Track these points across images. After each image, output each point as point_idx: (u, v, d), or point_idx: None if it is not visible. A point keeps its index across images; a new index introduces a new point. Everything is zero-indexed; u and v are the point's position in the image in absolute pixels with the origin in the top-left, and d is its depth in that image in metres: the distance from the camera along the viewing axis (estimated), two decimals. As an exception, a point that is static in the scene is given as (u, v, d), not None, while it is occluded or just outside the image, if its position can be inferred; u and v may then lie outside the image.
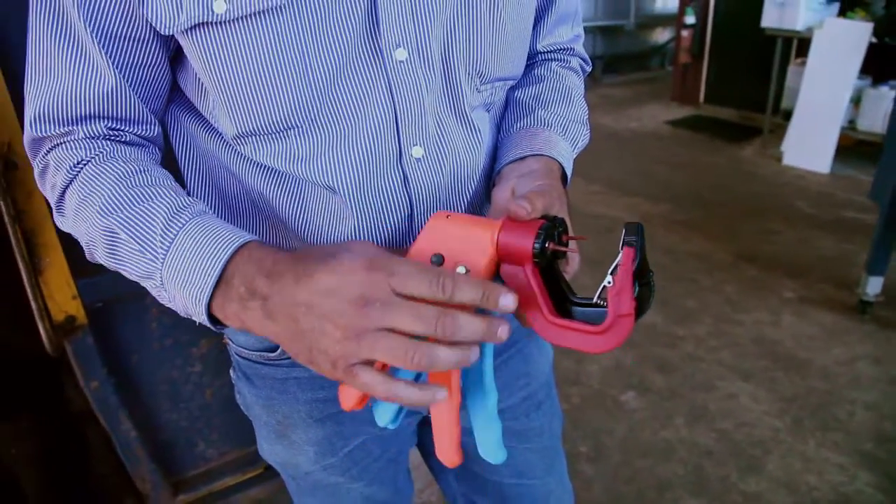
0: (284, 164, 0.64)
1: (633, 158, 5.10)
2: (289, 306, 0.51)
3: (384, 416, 0.58)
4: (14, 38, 1.16)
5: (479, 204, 0.75)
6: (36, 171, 0.66)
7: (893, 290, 2.87)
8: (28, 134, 0.63)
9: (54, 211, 0.66)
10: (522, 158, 0.70)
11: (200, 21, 0.55)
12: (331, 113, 0.62)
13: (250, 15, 0.55)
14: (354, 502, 0.87)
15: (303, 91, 0.59)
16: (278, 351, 0.74)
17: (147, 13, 0.56)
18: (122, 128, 0.64)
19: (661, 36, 8.56)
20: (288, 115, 0.60)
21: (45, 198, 1.23)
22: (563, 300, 0.57)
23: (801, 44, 5.09)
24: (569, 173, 0.73)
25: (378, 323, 0.48)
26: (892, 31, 4.29)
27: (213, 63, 0.58)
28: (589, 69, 0.89)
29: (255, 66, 0.57)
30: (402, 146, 0.65)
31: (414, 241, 0.58)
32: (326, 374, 0.52)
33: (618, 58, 8.03)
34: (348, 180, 0.64)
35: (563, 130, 0.76)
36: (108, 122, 0.63)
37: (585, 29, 0.90)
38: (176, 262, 0.56)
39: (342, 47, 0.59)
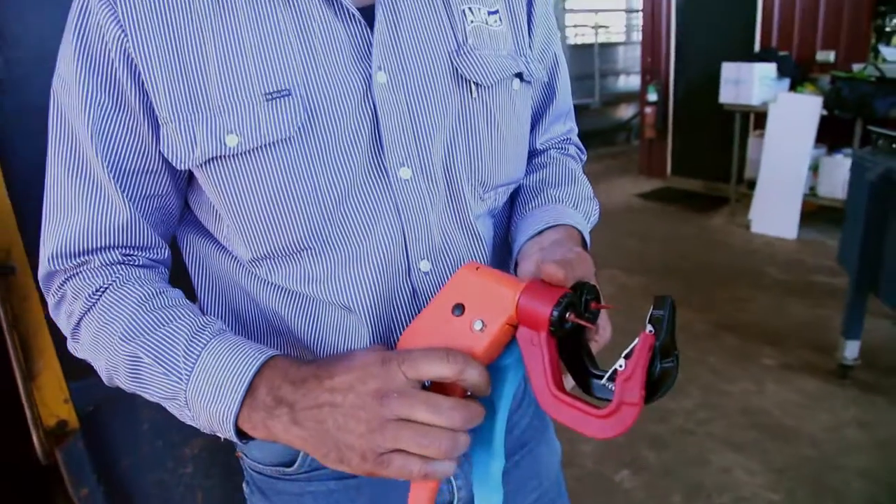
0: (299, 285, 0.66)
1: (605, 231, 5.22)
2: (313, 409, 0.53)
3: None
4: (21, 152, 1.19)
5: None
6: (51, 302, 0.67)
7: (870, 352, 2.94)
8: (44, 268, 0.65)
9: (69, 339, 0.67)
10: (541, 232, 0.70)
11: (214, 155, 0.59)
12: (341, 233, 0.64)
13: (261, 147, 0.59)
14: None
15: (314, 214, 0.62)
16: (295, 465, 0.73)
17: (162, 149, 0.60)
18: (136, 253, 0.67)
19: (626, 112, 8.94)
20: (301, 237, 0.63)
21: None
22: (582, 372, 0.56)
23: (758, 117, 5.37)
24: (588, 243, 0.75)
25: (398, 413, 0.51)
26: (840, 105, 4.56)
27: (228, 192, 0.61)
28: (584, 157, 0.93)
29: (268, 194, 0.61)
30: (411, 261, 0.67)
31: (440, 289, 0.59)
32: (359, 470, 0.53)
33: (586, 134, 8.19)
34: (361, 298, 0.66)
35: (575, 205, 0.77)
36: (122, 249, 0.65)
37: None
38: (200, 382, 0.57)
39: (349, 170, 0.62)
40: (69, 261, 0.64)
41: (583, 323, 0.54)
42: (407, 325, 0.65)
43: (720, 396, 2.83)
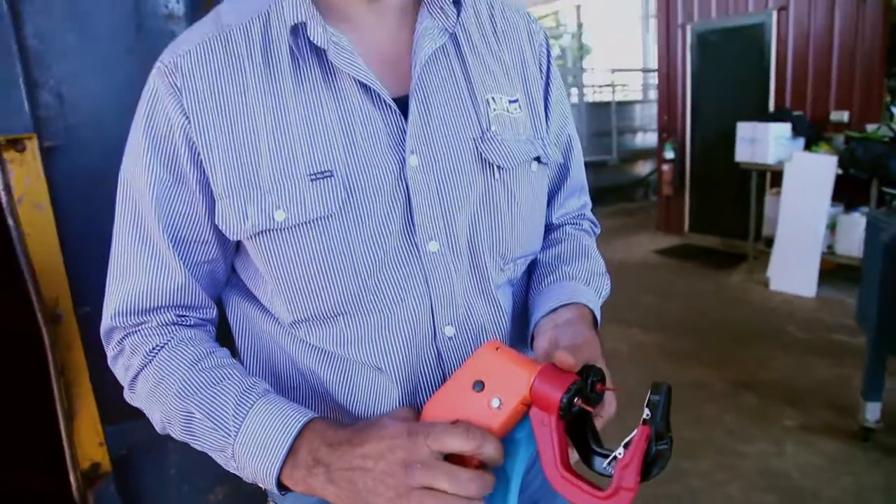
0: (335, 346, 0.73)
1: (623, 288, 5.25)
2: (347, 471, 0.60)
3: None
4: (74, 210, 1.29)
5: None
6: (110, 355, 0.76)
7: (893, 414, 2.90)
8: (106, 324, 0.74)
9: (126, 389, 0.75)
10: (555, 309, 0.76)
11: (263, 229, 0.67)
12: (375, 300, 0.71)
13: (305, 223, 0.66)
14: None
15: (350, 282, 0.69)
16: None
17: (217, 222, 0.69)
18: (188, 314, 0.75)
19: (643, 169, 9.06)
20: (338, 303, 0.70)
21: (82, 348, 1.31)
22: (586, 447, 0.62)
23: (774, 175, 5.42)
24: (598, 319, 0.81)
25: (422, 482, 0.57)
26: (854, 165, 4.61)
27: (274, 261, 0.69)
28: (598, 231, 1.00)
29: (310, 264, 0.68)
30: (437, 326, 0.74)
31: (463, 364, 0.65)
32: None
33: (604, 190, 8.46)
34: (391, 360, 0.73)
35: (587, 282, 0.83)
36: (176, 310, 0.73)
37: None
38: (247, 440, 0.65)
39: (383, 244, 0.70)
40: (129, 318, 0.72)
41: (587, 409, 0.60)
42: (433, 386, 0.73)
43: (738, 457, 2.80)
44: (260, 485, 0.66)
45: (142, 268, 0.71)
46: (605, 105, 9.00)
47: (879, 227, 2.82)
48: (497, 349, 0.64)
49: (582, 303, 0.77)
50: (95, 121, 1.29)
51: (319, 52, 0.68)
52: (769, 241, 5.21)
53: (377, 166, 0.69)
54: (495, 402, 0.60)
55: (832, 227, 4.87)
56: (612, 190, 8.58)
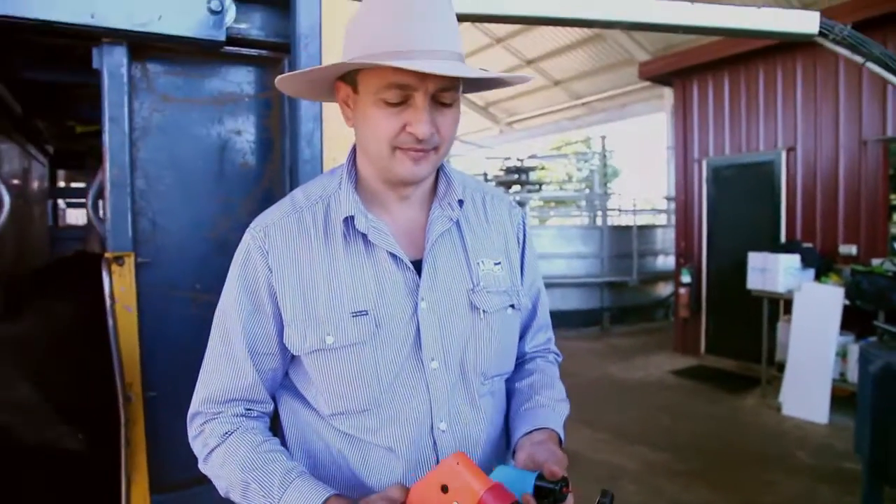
0: (360, 433, 1.01)
1: (638, 407, 5.37)
2: None
3: None
4: (162, 313, 1.61)
5: (487, 459, 1.08)
6: (191, 434, 1.04)
7: (892, 544, 2.95)
8: (193, 409, 1.04)
9: (201, 462, 1.03)
10: (530, 432, 1.04)
11: (317, 349, 0.98)
12: (391, 401, 1.00)
13: (346, 346, 0.97)
14: None
15: (374, 388, 0.99)
16: None
17: (284, 341, 1.00)
18: (253, 407, 1.04)
19: (664, 290, 9.29)
20: (365, 401, 0.99)
21: (143, 427, 1.58)
22: None
23: (786, 302, 5.61)
24: (563, 439, 1.07)
25: None
26: (860, 296, 4.81)
27: (322, 371, 1.00)
28: (561, 360, 1.28)
29: (347, 373, 0.98)
30: (434, 421, 1.01)
31: (432, 470, 0.86)
32: None
33: (624, 310, 8.68)
34: (400, 444, 1.00)
35: (553, 408, 1.11)
36: (245, 403, 1.03)
37: (594, 284, 1.33)
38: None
39: (398, 361, 1.00)
40: (211, 407, 1.02)
41: None
42: (429, 464, 0.99)
43: (737, 577, 2.86)
44: None
45: (224, 371, 1.02)
46: (626, 229, 9.40)
47: (870, 359, 3.00)
48: (458, 463, 0.82)
49: (550, 427, 1.05)
50: (178, 244, 1.64)
51: (363, 234, 1.01)
52: (782, 367, 5.32)
53: (398, 308, 1.00)
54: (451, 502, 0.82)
55: (843, 355, 4.99)
56: (633, 310, 8.79)
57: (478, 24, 10.77)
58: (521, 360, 1.20)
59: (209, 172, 1.66)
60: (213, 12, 1.48)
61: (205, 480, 1.67)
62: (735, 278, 6.11)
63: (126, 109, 1.51)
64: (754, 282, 5.65)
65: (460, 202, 1.08)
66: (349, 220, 1.01)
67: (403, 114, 0.94)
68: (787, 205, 6.10)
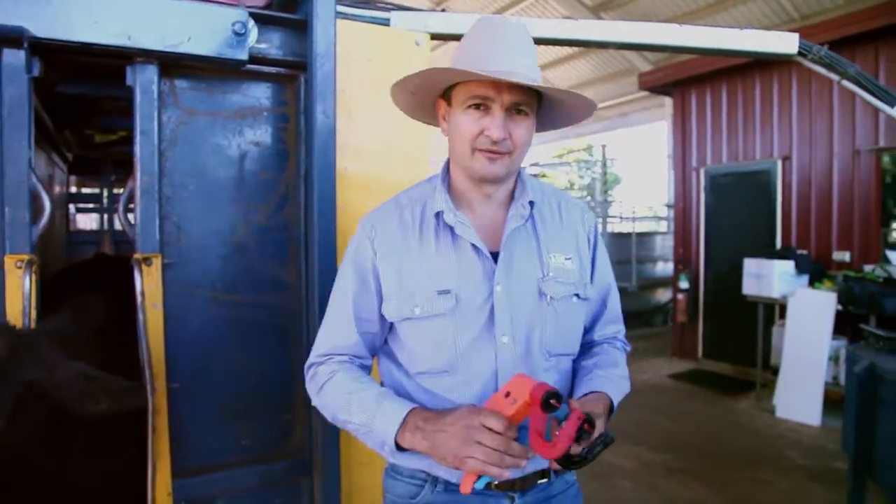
0: (439, 390, 1.21)
1: (636, 409, 5.47)
2: (433, 432, 1.08)
3: (476, 486, 1.07)
4: (189, 313, 1.74)
5: None
6: (307, 378, 1.29)
7: (877, 539, 3.06)
8: (311, 360, 1.29)
9: (314, 397, 1.27)
10: (586, 394, 1.21)
11: (407, 317, 1.20)
12: (465, 366, 1.19)
13: (429, 316, 1.18)
14: None
15: (451, 353, 1.19)
16: (417, 498, 1.25)
17: (383, 311, 1.23)
18: (355, 360, 1.27)
19: (663, 296, 9.40)
20: (443, 364, 1.19)
21: (167, 416, 1.70)
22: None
23: (782, 307, 5.73)
24: (615, 405, 1.23)
25: (476, 438, 1.03)
26: (852, 302, 4.93)
27: (411, 335, 1.22)
28: (629, 349, 1.43)
29: (430, 338, 1.19)
30: (499, 386, 1.17)
31: (502, 386, 1.10)
32: (450, 464, 1.06)
33: (624, 315, 8.77)
34: (470, 402, 1.18)
35: (609, 378, 1.27)
36: (349, 356, 1.27)
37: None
38: (381, 415, 1.14)
39: (473, 333, 1.19)
40: (321, 357, 1.28)
41: (556, 405, 1.03)
42: None
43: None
44: (383, 448, 1.15)
45: (335, 332, 1.27)
46: (626, 236, 9.53)
47: (855, 361, 3.12)
48: (518, 376, 1.10)
49: (603, 391, 1.22)
50: (201, 246, 1.78)
51: (450, 227, 1.21)
52: (776, 371, 5.44)
53: (476, 290, 1.20)
54: (513, 401, 1.06)
55: (836, 359, 5.11)
56: (632, 315, 8.88)
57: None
58: (589, 346, 1.37)
59: (230, 180, 1.79)
60: (237, 34, 1.62)
61: (221, 467, 1.81)
62: (731, 284, 6.22)
63: (155, 122, 1.65)
64: (750, 287, 5.77)
65: (531, 203, 1.26)
66: (439, 215, 1.23)
67: (483, 120, 1.16)
68: (783, 212, 6.22)
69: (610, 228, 9.90)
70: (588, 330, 1.37)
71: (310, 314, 1.80)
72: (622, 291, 7.12)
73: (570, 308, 1.26)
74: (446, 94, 1.23)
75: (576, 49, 12.08)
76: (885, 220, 5.68)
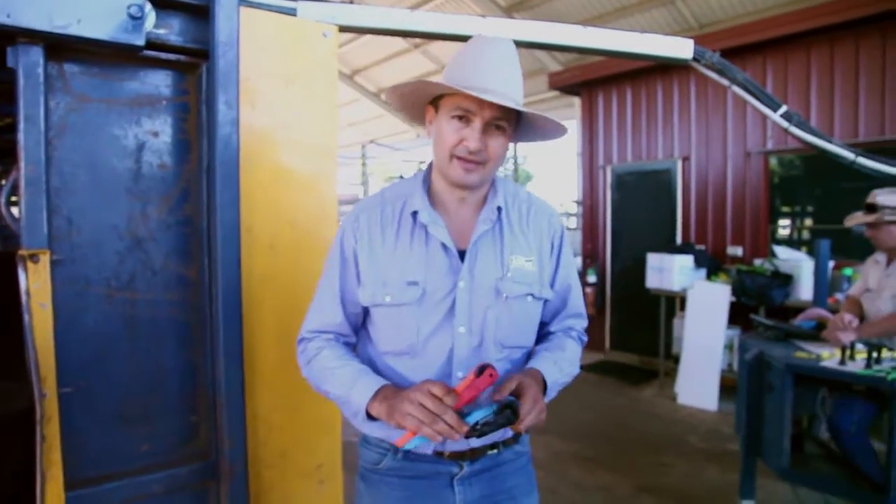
0: (400, 369, 1.35)
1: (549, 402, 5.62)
2: (394, 402, 1.21)
3: (409, 445, 1.23)
4: (76, 314, 1.64)
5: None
6: (298, 349, 1.44)
7: (765, 514, 3.29)
8: (301, 335, 1.44)
9: (303, 368, 1.41)
10: (524, 371, 1.34)
11: (378, 303, 1.34)
12: (424, 351, 1.33)
13: (399, 304, 1.32)
14: None
15: (412, 338, 1.33)
16: (381, 465, 1.42)
17: (359, 296, 1.36)
18: (340, 338, 1.42)
19: (573, 290, 9.67)
20: (405, 347, 1.34)
21: (58, 424, 1.60)
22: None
23: (682, 299, 6.04)
24: (550, 381, 1.35)
25: (419, 400, 1.17)
26: (744, 293, 5.27)
27: (380, 318, 1.36)
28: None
29: (396, 323, 1.33)
30: (453, 370, 1.33)
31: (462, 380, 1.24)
32: (396, 422, 1.20)
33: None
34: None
35: (550, 360, 1.39)
36: (335, 334, 1.42)
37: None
38: (358, 389, 1.29)
39: (435, 322, 1.32)
40: (311, 334, 1.43)
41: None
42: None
43: (632, 550, 3.11)
44: (356, 419, 1.32)
45: (324, 311, 1.41)
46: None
47: (746, 349, 3.34)
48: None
49: (536, 368, 1.35)
50: (94, 242, 1.67)
51: (425, 225, 1.33)
52: (678, 360, 5.74)
53: (441, 284, 1.33)
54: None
55: (731, 347, 5.44)
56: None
57: (395, 29, 10.82)
58: (546, 335, 1.49)
59: (126, 172, 1.70)
60: (133, 18, 1.54)
61: (120, 475, 1.72)
62: (636, 278, 6.51)
63: (42, 108, 1.54)
64: (653, 281, 6.05)
65: (498, 208, 1.39)
66: (415, 214, 1.35)
67: (463, 130, 1.28)
68: (682, 210, 6.56)
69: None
70: (547, 323, 1.50)
71: (213, 310, 1.73)
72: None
73: (525, 306, 1.38)
74: (434, 102, 1.34)
75: (489, 48, 12.22)
76: (772, 218, 6.10)
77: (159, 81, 1.74)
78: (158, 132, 1.75)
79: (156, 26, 1.62)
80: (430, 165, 1.41)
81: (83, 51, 1.60)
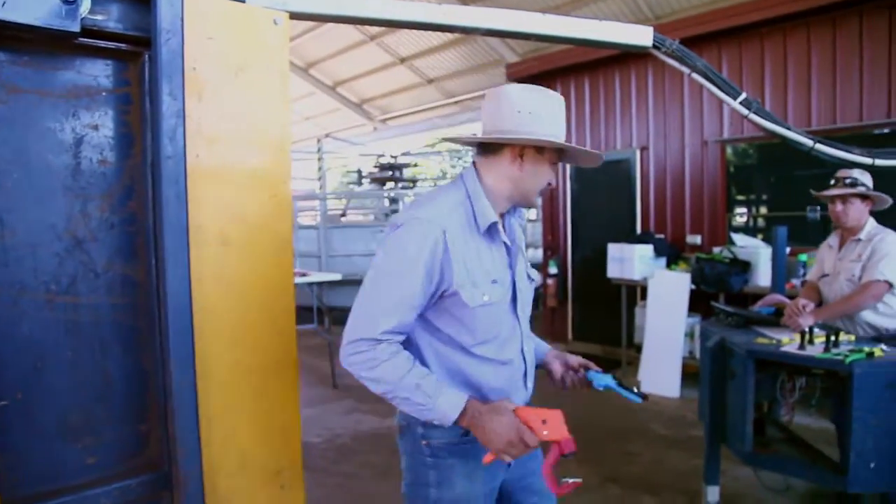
0: (491, 354, 1.59)
1: (513, 391, 5.62)
2: (485, 429, 1.46)
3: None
4: (7, 313, 1.53)
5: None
6: (352, 351, 1.50)
7: (730, 496, 3.33)
8: (355, 336, 1.49)
9: (366, 370, 1.48)
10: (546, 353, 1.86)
11: (482, 304, 1.53)
12: (503, 332, 1.61)
13: (494, 302, 1.56)
14: None
15: (498, 325, 1.59)
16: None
17: (464, 298, 1.51)
18: (401, 338, 1.52)
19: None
20: (496, 333, 1.59)
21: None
22: None
23: (643, 289, 6.11)
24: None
25: (515, 447, 1.45)
26: (703, 281, 5.34)
27: (478, 317, 1.54)
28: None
29: (492, 317, 1.57)
30: (522, 344, 1.68)
31: (538, 408, 1.49)
32: (493, 448, 1.45)
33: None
34: (510, 357, 1.64)
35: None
36: (399, 336, 1.51)
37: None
38: (442, 404, 1.46)
39: (506, 310, 1.62)
40: (386, 335, 1.49)
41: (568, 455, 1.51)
42: (522, 369, 1.69)
43: (600, 541, 3.11)
44: (427, 417, 1.49)
45: (399, 312, 1.49)
46: (500, 223, 9.73)
47: (708, 336, 3.36)
48: (559, 412, 1.49)
49: (551, 349, 1.87)
50: (29, 243, 1.56)
51: (494, 232, 1.58)
52: (640, 348, 5.79)
53: (506, 278, 1.61)
54: (546, 433, 1.46)
55: (691, 335, 5.52)
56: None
57: (351, 21, 10.69)
58: None
59: (64, 168, 1.59)
60: (66, 2, 1.43)
61: (65, 490, 1.62)
62: (597, 268, 6.56)
63: (-35, 100, 1.43)
64: (613, 270, 6.10)
65: (512, 215, 1.72)
66: (493, 224, 1.57)
67: (552, 173, 1.63)
68: (642, 199, 6.63)
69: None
70: None
71: (162, 313, 1.64)
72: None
73: (532, 287, 1.74)
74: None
75: (445, 39, 12.19)
76: (729, 206, 6.20)
77: (98, 71, 1.63)
78: (98, 125, 1.64)
79: (92, 12, 1.51)
80: (479, 180, 1.60)
81: (11, 38, 1.48)
